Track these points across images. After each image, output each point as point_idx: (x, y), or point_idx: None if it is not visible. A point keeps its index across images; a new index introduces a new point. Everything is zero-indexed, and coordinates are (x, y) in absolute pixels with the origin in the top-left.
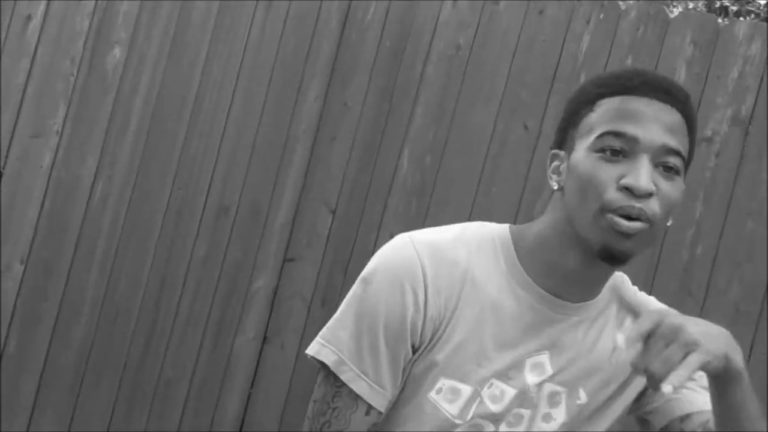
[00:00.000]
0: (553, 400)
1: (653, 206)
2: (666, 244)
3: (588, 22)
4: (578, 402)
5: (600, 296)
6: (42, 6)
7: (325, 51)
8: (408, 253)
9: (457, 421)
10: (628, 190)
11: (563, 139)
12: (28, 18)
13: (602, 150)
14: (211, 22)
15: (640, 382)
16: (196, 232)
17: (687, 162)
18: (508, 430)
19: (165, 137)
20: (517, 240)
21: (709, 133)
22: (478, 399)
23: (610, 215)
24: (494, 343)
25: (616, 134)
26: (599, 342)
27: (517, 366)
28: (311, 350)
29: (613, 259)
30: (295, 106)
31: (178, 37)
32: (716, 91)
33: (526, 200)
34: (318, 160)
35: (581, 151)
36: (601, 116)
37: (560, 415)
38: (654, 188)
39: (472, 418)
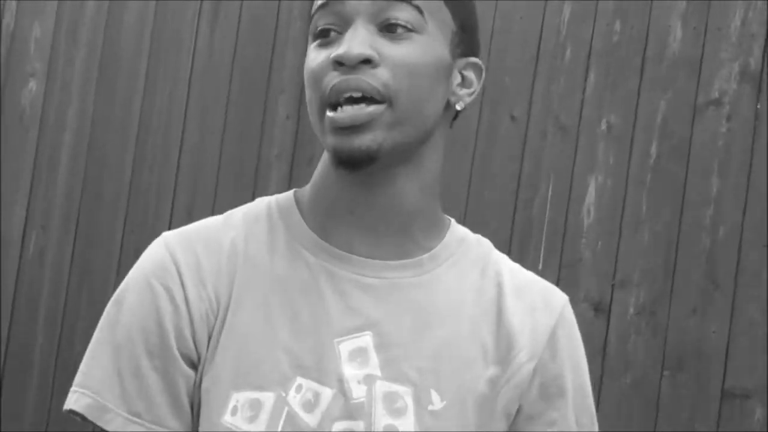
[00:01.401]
0: (393, 405)
1: (379, 75)
2: (683, 228)
3: None
4: (431, 408)
5: (435, 251)
6: None
7: (290, 60)
8: (157, 250)
9: None
10: (339, 64)
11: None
12: None
13: (315, 36)
14: (146, 35)
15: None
16: None
17: (460, 24)
18: None
19: (107, 175)
20: (300, 198)
21: (716, 94)
22: (286, 408)
23: (329, 112)
24: (290, 330)
25: (321, 7)
26: (449, 317)
27: (327, 355)
28: (67, 403)
29: (355, 159)
30: (263, 127)
31: (107, 59)
32: (719, 46)
33: (522, 199)
34: (298, 185)
35: (308, 50)
36: None
37: (409, 426)
38: (370, 52)
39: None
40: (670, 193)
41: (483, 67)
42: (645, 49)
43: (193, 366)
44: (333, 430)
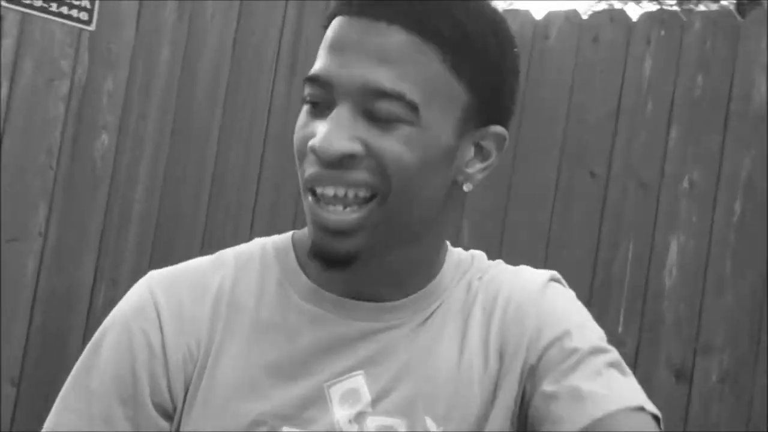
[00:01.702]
0: None
1: (361, 174)
2: None
3: (648, 42)
4: None
5: (430, 286)
6: (3, 90)
7: None
8: (140, 291)
9: None
10: (315, 154)
11: None
12: None
13: (306, 101)
14: (220, 89)
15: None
16: None
17: (478, 94)
18: None
19: (179, 229)
20: (297, 241)
21: None
22: None
23: (311, 199)
24: (273, 378)
25: (310, 79)
26: (439, 346)
27: (317, 400)
28: None
29: (333, 263)
30: None
31: (181, 114)
32: None
33: (602, 259)
34: None
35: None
36: (319, 50)
37: None
38: (350, 147)
39: None
40: (756, 253)
41: (506, 136)
42: (728, 103)
43: (168, 416)
44: None
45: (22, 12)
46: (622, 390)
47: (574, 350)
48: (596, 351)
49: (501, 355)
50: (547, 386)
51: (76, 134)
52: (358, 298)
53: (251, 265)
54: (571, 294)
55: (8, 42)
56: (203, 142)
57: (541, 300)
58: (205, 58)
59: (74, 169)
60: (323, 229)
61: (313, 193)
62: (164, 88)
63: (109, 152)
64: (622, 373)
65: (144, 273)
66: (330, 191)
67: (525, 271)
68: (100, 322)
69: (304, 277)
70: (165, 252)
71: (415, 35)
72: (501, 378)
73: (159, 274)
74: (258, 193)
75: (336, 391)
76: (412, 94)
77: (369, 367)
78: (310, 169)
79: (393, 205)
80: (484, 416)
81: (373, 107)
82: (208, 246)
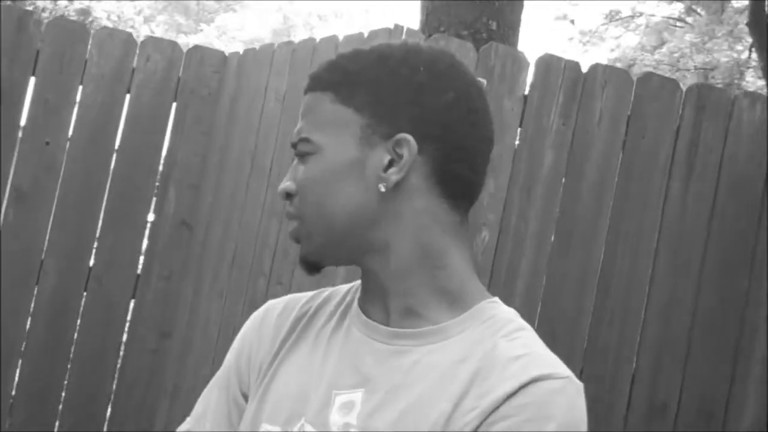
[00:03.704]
0: None
1: (294, 203)
2: None
3: None
4: None
5: (447, 325)
6: None
7: None
8: (260, 309)
9: None
10: None
11: None
12: None
13: None
14: (608, 192)
15: None
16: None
17: (372, 113)
18: None
19: (561, 323)
20: None
21: None
22: None
23: None
24: (312, 379)
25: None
26: (436, 389)
27: (327, 403)
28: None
29: (306, 268)
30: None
31: (566, 214)
32: None
33: None
34: None
35: None
36: None
37: None
38: (286, 186)
39: None
40: None
41: (410, 138)
42: None
43: (245, 398)
44: None
45: None
46: None
47: None
48: None
49: (469, 411)
50: None
51: None
52: (379, 322)
53: (336, 298)
54: (575, 400)
55: None
56: (588, 244)
57: (517, 389)
58: (591, 162)
59: None
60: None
61: None
62: (547, 190)
63: (489, 248)
64: None
65: None
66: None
67: (533, 358)
68: None
69: (357, 307)
70: (548, 344)
71: (317, 92)
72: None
73: (276, 300)
74: (650, 293)
75: (339, 399)
76: (307, 132)
77: (370, 386)
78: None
79: (308, 221)
80: None
81: (298, 150)
82: (593, 345)
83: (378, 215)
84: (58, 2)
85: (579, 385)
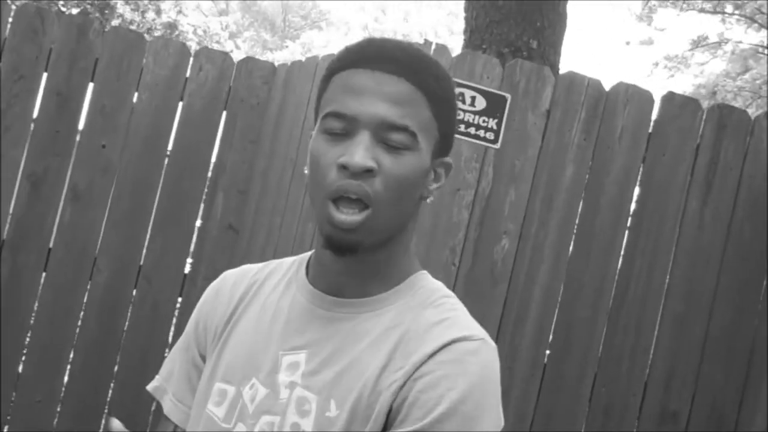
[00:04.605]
0: (302, 408)
1: (375, 185)
2: None
3: None
4: (328, 414)
5: (385, 295)
6: None
7: None
8: (217, 280)
9: (224, 425)
10: (345, 168)
11: (315, 119)
12: None
13: (326, 132)
14: (626, 205)
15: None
16: None
17: (443, 133)
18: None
19: (575, 332)
20: (312, 256)
21: None
22: (240, 400)
23: (330, 206)
24: (262, 342)
25: (336, 115)
26: (367, 354)
27: (275, 364)
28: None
29: (338, 250)
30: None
31: (585, 225)
32: None
33: None
34: None
35: (315, 133)
36: (331, 94)
37: (309, 426)
38: (372, 164)
39: (236, 422)
40: None
41: (451, 162)
42: None
43: (203, 359)
44: (260, 420)
45: None
46: None
47: (421, 425)
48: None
49: (396, 371)
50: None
51: (478, 237)
52: (331, 294)
53: (282, 269)
54: (472, 362)
55: None
56: (606, 255)
57: (427, 362)
58: (611, 176)
59: (475, 268)
60: (337, 227)
61: (334, 201)
62: (566, 201)
63: (509, 255)
64: None
65: (540, 366)
66: (353, 196)
67: (452, 325)
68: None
69: (304, 276)
70: (563, 349)
71: (414, 86)
72: (387, 387)
73: (230, 271)
74: (664, 306)
75: (286, 360)
76: (413, 127)
77: (313, 348)
78: (338, 181)
79: (383, 215)
80: (374, 409)
81: (386, 137)
82: (607, 351)
83: (408, 221)
84: (146, 15)
85: (493, 347)
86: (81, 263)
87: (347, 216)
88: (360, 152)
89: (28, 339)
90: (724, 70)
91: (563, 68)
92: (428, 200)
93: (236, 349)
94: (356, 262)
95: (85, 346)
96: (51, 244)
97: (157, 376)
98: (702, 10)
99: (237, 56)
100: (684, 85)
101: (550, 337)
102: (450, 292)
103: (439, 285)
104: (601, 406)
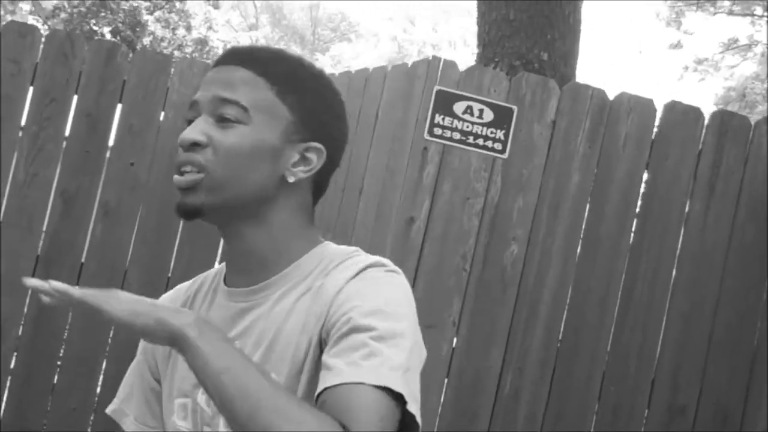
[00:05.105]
0: None
1: (206, 155)
2: None
3: None
4: None
5: (287, 271)
6: (425, 206)
7: None
8: None
9: None
10: (181, 146)
11: None
12: (411, 220)
13: (185, 122)
14: (631, 209)
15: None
16: None
17: (298, 117)
18: (225, 430)
19: (584, 329)
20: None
21: None
22: (198, 408)
23: (175, 176)
24: None
25: (190, 105)
26: (287, 322)
27: None
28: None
29: (184, 213)
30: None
31: (591, 230)
32: None
33: None
34: None
35: None
36: None
37: None
38: (199, 138)
39: (202, 427)
40: None
41: (323, 149)
42: None
43: (159, 382)
44: (221, 418)
45: (444, 144)
46: (360, 368)
47: (348, 328)
48: (361, 329)
49: (311, 327)
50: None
51: (488, 243)
52: (242, 287)
53: (209, 279)
54: (385, 278)
55: (431, 168)
56: (612, 258)
57: (345, 286)
58: (616, 183)
59: (485, 273)
60: (178, 189)
61: (179, 174)
62: (573, 208)
63: (518, 261)
64: (380, 353)
65: (549, 367)
66: (188, 168)
67: (360, 260)
68: (507, 406)
69: (221, 279)
70: (572, 350)
71: (251, 71)
72: (309, 348)
73: (167, 293)
74: (670, 307)
75: None
76: (244, 102)
77: (242, 338)
78: (179, 157)
79: (217, 176)
80: (312, 368)
81: (219, 112)
82: (615, 351)
83: (273, 196)
84: (177, 32)
85: (401, 273)
86: (112, 277)
87: (184, 177)
88: (189, 130)
89: (62, 350)
90: (755, 72)
91: (584, 76)
92: (290, 179)
93: (183, 363)
94: (238, 249)
95: (118, 355)
96: (83, 259)
97: (115, 399)
98: (731, 13)
99: None
100: (715, 88)
101: (559, 338)
102: (356, 249)
103: (343, 247)
104: (609, 405)
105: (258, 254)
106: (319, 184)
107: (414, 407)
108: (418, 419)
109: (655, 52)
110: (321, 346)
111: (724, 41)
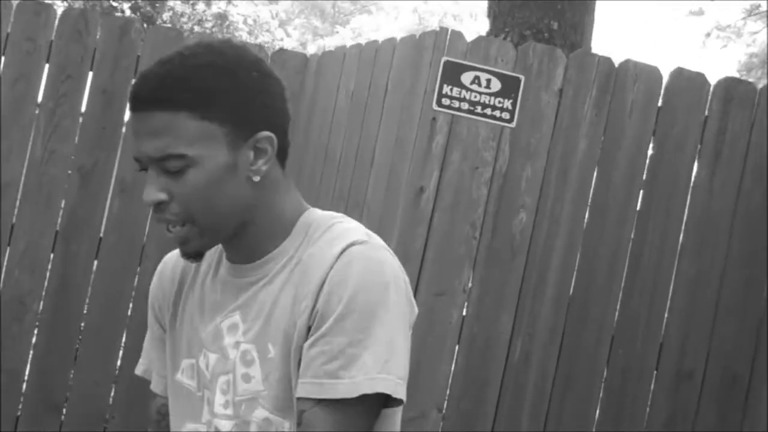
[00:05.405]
0: (245, 359)
1: (173, 210)
2: None
3: None
4: (269, 356)
5: (278, 250)
6: (435, 175)
7: None
8: (161, 264)
9: (198, 394)
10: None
11: None
12: (421, 190)
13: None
14: (638, 176)
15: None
16: (649, 398)
17: (233, 122)
18: (223, 398)
19: (592, 293)
20: None
21: None
22: (200, 370)
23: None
24: (204, 319)
25: (134, 158)
26: (282, 294)
27: (218, 332)
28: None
29: (189, 259)
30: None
31: (598, 197)
32: None
33: None
34: None
35: None
36: None
37: (256, 372)
38: (160, 197)
39: (202, 389)
40: None
41: (269, 133)
42: None
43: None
44: (218, 381)
45: (452, 114)
46: (325, 387)
47: (327, 328)
48: (337, 334)
49: (300, 309)
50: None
51: (497, 212)
52: (242, 263)
53: (213, 252)
54: (370, 256)
55: (440, 138)
56: (620, 224)
57: (328, 276)
58: (623, 149)
59: (495, 241)
60: (176, 242)
61: (165, 227)
62: (580, 175)
63: (527, 228)
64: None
65: (559, 332)
66: (170, 227)
67: (335, 237)
68: (517, 371)
69: (222, 254)
70: (581, 315)
71: (168, 111)
72: (295, 332)
73: (169, 255)
74: (677, 271)
75: (225, 325)
76: (179, 150)
77: (243, 309)
78: (155, 216)
79: (202, 223)
80: (299, 344)
81: (163, 167)
82: (623, 315)
83: (251, 201)
84: (196, 7)
85: (377, 245)
86: (130, 251)
87: (172, 234)
88: (148, 190)
89: (82, 324)
90: None
91: (603, 46)
92: (255, 179)
93: (189, 326)
94: (237, 244)
95: (137, 327)
96: (101, 234)
97: (141, 360)
98: None
99: (288, 44)
100: (737, 54)
101: (568, 303)
102: (338, 214)
103: (327, 214)
104: (618, 368)
105: (255, 242)
106: (281, 154)
107: (400, 390)
108: (403, 397)
109: (676, 19)
110: (307, 333)
111: (747, 7)
